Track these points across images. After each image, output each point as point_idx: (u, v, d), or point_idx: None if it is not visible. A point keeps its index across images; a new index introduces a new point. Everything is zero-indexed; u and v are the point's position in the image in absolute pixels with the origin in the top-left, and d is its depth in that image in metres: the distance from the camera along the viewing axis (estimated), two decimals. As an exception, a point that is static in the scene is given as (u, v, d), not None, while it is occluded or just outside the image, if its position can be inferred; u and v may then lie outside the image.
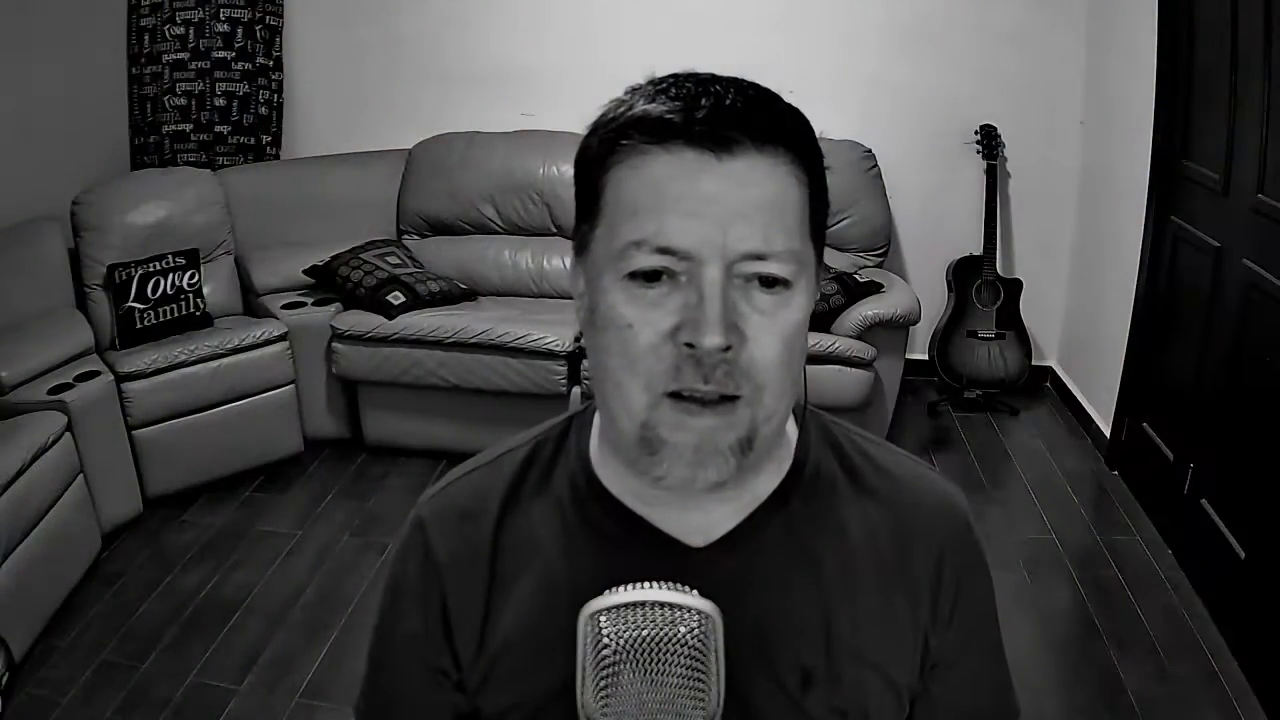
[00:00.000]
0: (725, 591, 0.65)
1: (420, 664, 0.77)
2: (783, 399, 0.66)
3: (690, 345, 0.61)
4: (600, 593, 0.64)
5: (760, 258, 0.62)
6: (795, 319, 0.64)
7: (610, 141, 0.64)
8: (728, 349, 0.61)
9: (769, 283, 0.63)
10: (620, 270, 0.63)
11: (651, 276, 0.62)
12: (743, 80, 0.65)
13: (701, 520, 0.71)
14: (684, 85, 0.63)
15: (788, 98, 0.67)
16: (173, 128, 3.89)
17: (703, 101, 0.62)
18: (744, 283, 0.62)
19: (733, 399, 0.63)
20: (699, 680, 0.63)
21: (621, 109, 0.65)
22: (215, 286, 3.44)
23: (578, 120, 0.70)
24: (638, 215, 0.62)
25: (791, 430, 0.76)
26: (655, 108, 0.62)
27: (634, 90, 0.66)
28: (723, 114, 0.61)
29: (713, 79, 0.64)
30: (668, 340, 0.62)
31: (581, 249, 0.68)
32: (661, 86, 0.64)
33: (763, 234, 0.61)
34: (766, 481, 0.73)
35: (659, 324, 0.62)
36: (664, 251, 0.61)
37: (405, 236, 3.84)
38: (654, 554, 0.71)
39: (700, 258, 0.61)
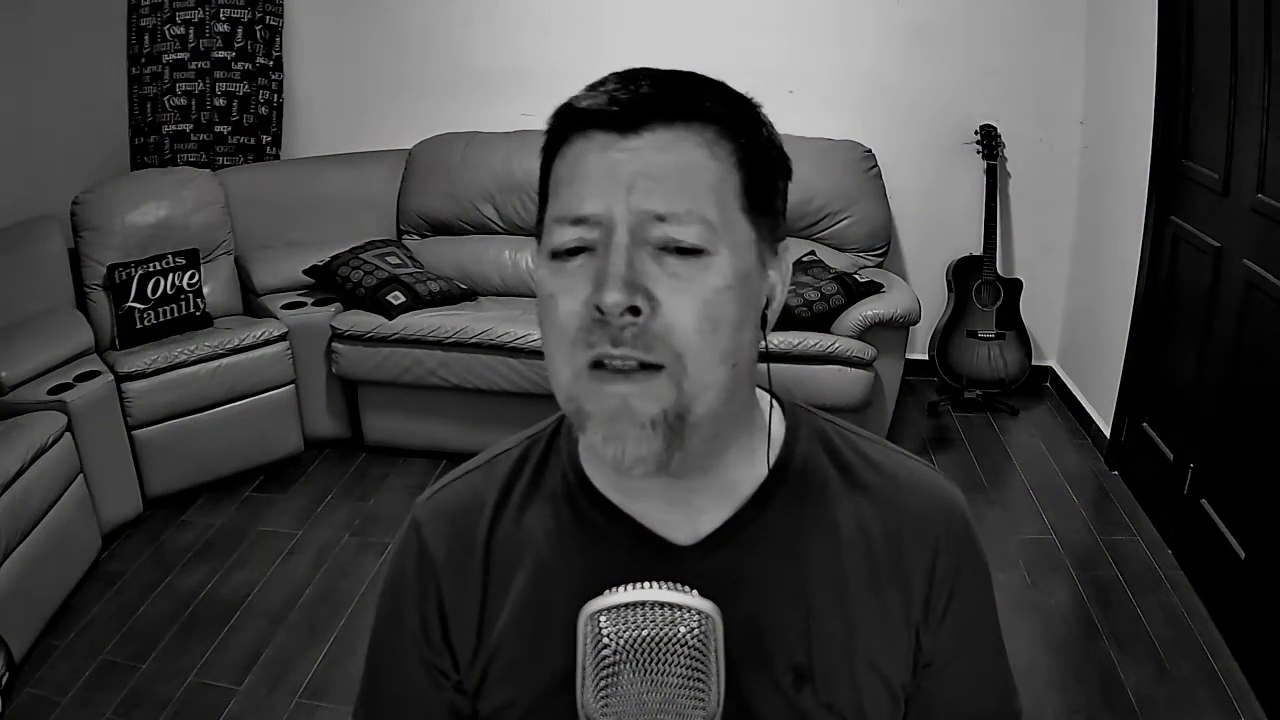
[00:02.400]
0: (714, 590, 0.65)
1: (419, 664, 0.78)
2: (712, 371, 0.64)
3: (598, 308, 0.61)
4: (592, 590, 0.64)
5: (663, 219, 0.63)
6: (715, 284, 0.63)
7: (548, 135, 0.68)
8: (636, 311, 0.61)
9: (684, 251, 0.63)
10: (546, 247, 0.66)
11: (573, 251, 0.64)
12: (678, 71, 0.67)
13: (687, 517, 0.72)
14: (611, 78, 0.67)
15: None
16: (173, 128, 3.89)
17: (610, 86, 0.65)
18: (655, 250, 0.63)
19: (654, 368, 0.63)
20: (699, 680, 0.63)
21: (566, 100, 0.68)
22: (215, 286, 3.45)
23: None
24: (558, 194, 0.66)
25: (779, 427, 0.76)
26: (578, 97, 0.66)
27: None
28: (631, 97, 0.64)
29: (643, 71, 0.67)
30: (584, 307, 0.63)
31: (537, 241, 0.70)
32: (594, 82, 0.67)
33: (666, 196, 0.63)
34: (752, 478, 0.73)
35: (576, 292, 0.63)
36: (576, 222, 0.64)
37: (405, 236, 3.84)
38: (642, 552, 0.71)
39: (608, 223, 0.63)
